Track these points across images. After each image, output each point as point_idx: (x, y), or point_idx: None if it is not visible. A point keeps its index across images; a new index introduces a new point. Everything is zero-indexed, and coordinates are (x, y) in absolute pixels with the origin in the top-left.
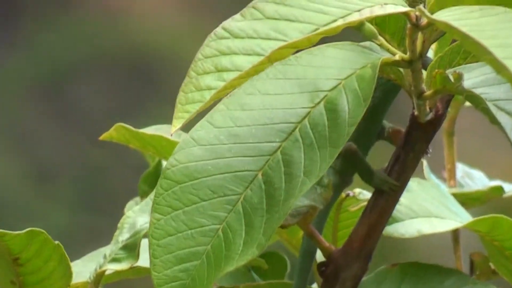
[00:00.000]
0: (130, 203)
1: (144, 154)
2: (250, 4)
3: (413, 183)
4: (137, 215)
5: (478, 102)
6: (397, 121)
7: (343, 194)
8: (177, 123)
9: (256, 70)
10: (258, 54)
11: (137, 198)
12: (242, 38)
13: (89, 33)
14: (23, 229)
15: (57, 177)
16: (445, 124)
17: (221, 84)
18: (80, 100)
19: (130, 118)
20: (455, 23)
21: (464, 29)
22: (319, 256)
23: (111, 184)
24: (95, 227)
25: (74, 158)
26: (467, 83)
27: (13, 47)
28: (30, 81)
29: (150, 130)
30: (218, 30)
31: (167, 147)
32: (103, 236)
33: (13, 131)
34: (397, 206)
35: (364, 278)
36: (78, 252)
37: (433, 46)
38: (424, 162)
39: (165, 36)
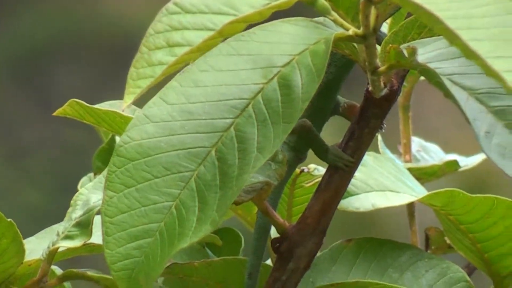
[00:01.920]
0: (84, 179)
1: (98, 130)
2: None
3: (368, 158)
4: (90, 192)
5: (432, 76)
6: (352, 97)
7: (297, 170)
8: (128, 99)
9: (207, 45)
10: (210, 29)
11: (91, 174)
12: (194, 13)
13: (65, 12)
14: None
15: (31, 156)
16: (400, 99)
17: (173, 59)
18: (56, 79)
19: (106, 97)
20: None
21: (417, 0)
22: (274, 232)
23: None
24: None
25: (48, 137)
26: (421, 57)
27: None
28: (6, 60)
29: (104, 106)
30: (170, 5)
31: (120, 123)
32: None
33: None
34: (352, 181)
35: (319, 254)
36: None
37: (388, 21)
38: (379, 137)
39: (141, 15)
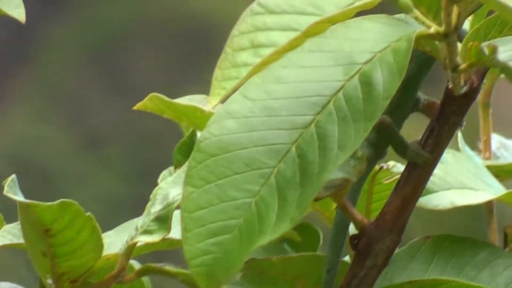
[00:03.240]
0: (164, 173)
1: (179, 124)
2: None
3: (447, 155)
4: (170, 186)
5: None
6: (432, 94)
7: (377, 167)
8: (214, 100)
9: (292, 46)
10: (294, 30)
11: (171, 168)
12: (278, 13)
13: (138, 2)
14: (77, 195)
15: (107, 145)
16: (480, 96)
17: (257, 60)
18: (131, 68)
19: (182, 86)
20: None
21: None
22: (352, 229)
23: (163, 152)
24: (145, 196)
25: (125, 126)
26: (502, 55)
27: (63, 13)
28: (81, 48)
29: (184, 100)
30: (254, 5)
31: (201, 117)
32: None
33: (64, 99)
34: (431, 178)
35: (397, 251)
36: (126, 220)
37: (469, 18)
38: (459, 134)
39: (217, 1)
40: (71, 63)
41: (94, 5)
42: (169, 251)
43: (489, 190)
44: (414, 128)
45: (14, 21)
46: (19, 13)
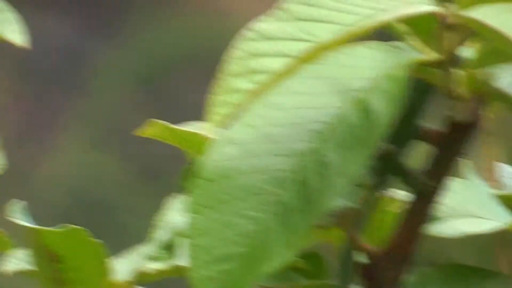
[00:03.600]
0: (169, 199)
1: (182, 150)
2: (277, 5)
3: (453, 183)
4: (174, 213)
5: (510, 102)
6: (433, 122)
7: (380, 194)
8: (209, 125)
9: (286, 72)
10: (288, 56)
11: (176, 194)
12: (271, 39)
13: (191, 30)
14: (135, 227)
15: (161, 174)
16: (483, 124)
17: (251, 85)
18: (181, 96)
19: None
20: (485, 20)
21: (494, 25)
22: (360, 257)
23: None
24: None
25: (182, 157)
26: (501, 82)
27: (117, 42)
28: (133, 76)
29: (184, 126)
30: (247, 31)
31: (202, 143)
32: None
33: (119, 128)
34: (439, 206)
35: (405, 279)
36: None
37: (468, 45)
38: (463, 162)
39: None
40: (124, 91)
41: (147, 33)
42: (174, 278)
43: (498, 219)
44: (417, 156)
45: (65, 50)
46: (22, 39)
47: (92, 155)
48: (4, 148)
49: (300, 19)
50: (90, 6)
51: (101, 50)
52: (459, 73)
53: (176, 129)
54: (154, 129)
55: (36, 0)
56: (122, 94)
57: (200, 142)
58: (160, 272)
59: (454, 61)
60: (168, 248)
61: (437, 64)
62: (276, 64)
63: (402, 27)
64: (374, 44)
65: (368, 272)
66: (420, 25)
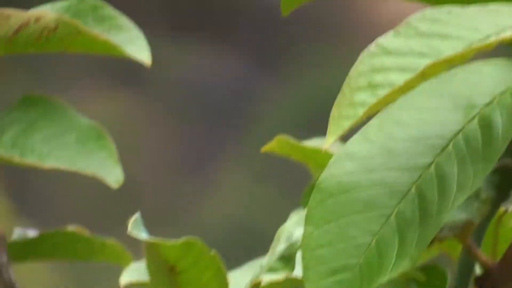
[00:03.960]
0: (292, 214)
1: (307, 166)
2: (403, 22)
3: None
4: (294, 226)
5: None
6: None
7: (502, 209)
8: (331, 138)
9: (409, 87)
10: (412, 71)
11: (300, 209)
12: (396, 54)
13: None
14: None
15: None
16: None
17: (374, 100)
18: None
19: None
20: None
21: None
22: (477, 270)
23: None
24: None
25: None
26: None
27: (281, 81)
28: (297, 114)
29: (311, 143)
30: (372, 47)
31: (323, 158)
32: None
33: (280, 163)
34: None
35: None
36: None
37: None
38: None
39: None
40: (289, 128)
41: (311, 74)
42: None
43: None
44: None
45: (233, 86)
46: (145, 57)
47: (256, 190)
48: (172, 178)
49: (425, 36)
50: (257, 47)
51: (267, 88)
52: None
53: (302, 145)
54: (279, 144)
55: (210, 37)
56: (287, 131)
57: (321, 157)
58: (276, 284)
59: None
60: (287, 260)
61: None
62: (400, 79)
63: None
64: (496, 60)
65: (482, 284)
66: None
